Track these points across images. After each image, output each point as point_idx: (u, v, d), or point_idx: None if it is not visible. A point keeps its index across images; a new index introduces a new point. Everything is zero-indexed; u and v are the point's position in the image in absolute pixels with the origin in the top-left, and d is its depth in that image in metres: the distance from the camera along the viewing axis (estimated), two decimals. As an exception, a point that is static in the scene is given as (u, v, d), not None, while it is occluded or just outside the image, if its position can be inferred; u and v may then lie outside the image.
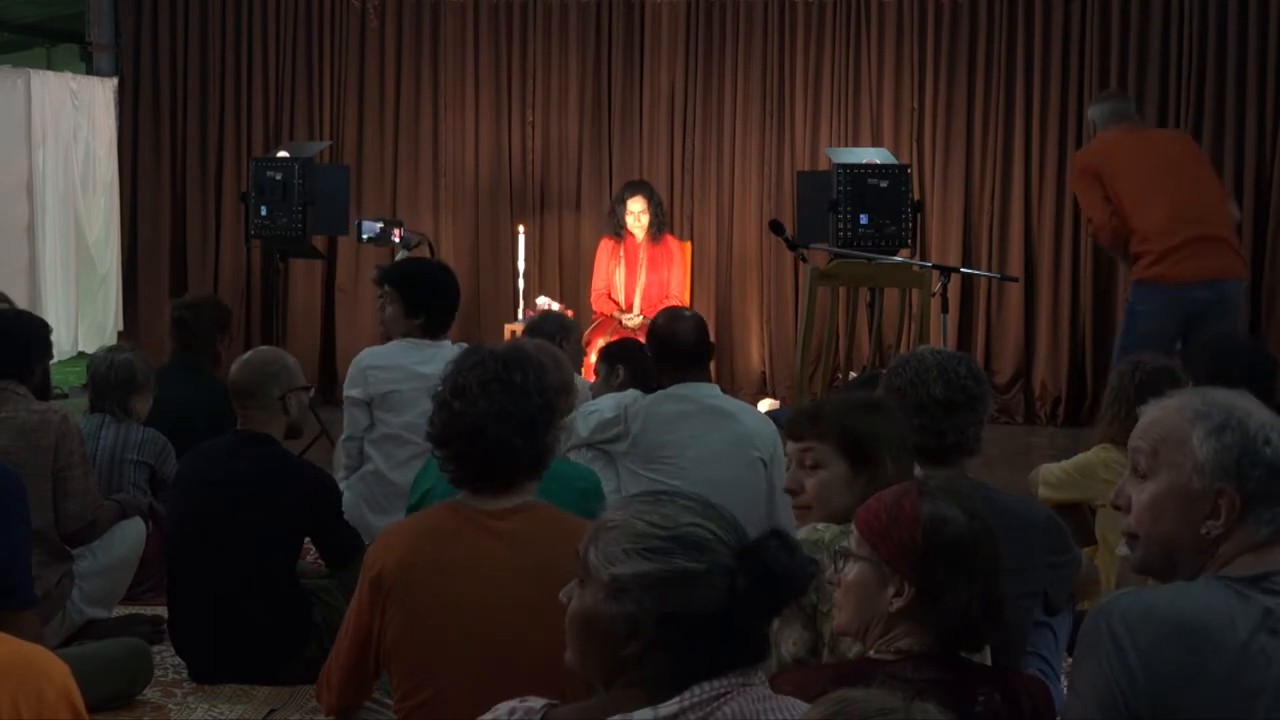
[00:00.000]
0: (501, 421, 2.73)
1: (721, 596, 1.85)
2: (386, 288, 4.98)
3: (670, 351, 4.49)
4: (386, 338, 5.18)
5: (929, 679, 2.14)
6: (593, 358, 7.18)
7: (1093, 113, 6.63)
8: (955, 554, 2.21)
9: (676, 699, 1.82)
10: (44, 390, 4.71)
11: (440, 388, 2.83)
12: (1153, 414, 2.12)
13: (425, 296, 4.90)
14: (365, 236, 7.30)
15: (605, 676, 1.91)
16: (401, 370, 4.76)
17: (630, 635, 1.86)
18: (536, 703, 1.97)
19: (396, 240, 7.34)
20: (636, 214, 7.72)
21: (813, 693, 2.03)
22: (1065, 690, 2.57)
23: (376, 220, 7.40)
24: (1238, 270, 6.34)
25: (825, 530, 2.76)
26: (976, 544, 2.22)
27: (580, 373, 6.10)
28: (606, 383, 4.91)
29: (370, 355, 4.95)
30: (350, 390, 4.88)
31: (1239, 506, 2.02)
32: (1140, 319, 6.24)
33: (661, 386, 4.50)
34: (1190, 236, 6.16)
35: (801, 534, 2.76)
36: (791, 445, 2.96)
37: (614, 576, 1.88)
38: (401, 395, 4.75)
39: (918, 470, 2.98)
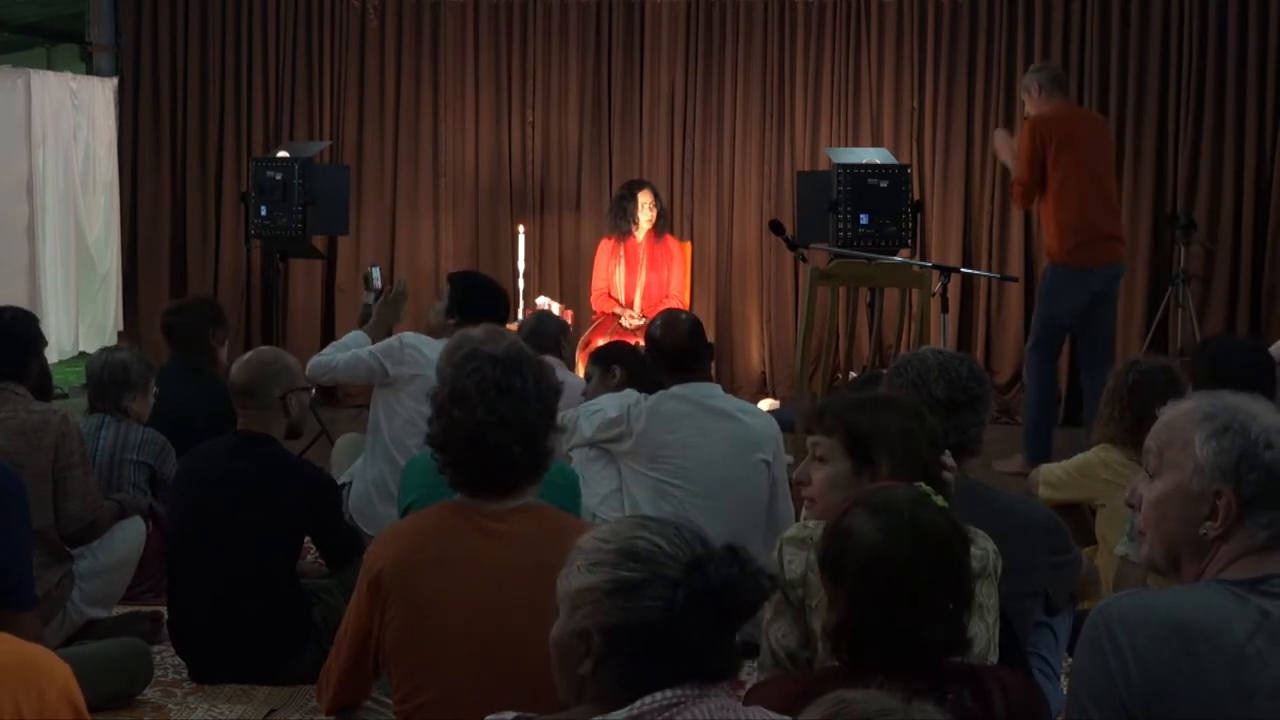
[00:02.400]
0: (500, 429, 2.72)
1: (663, 608, 1.86)
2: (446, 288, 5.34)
3: (668, 355, 4.49)
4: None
5: (896, 681, 2.14)
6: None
7: (1039, 78, 6.83)
8: (837, 569, 2.21)
9: (626, 709, 1.83)
10: (44, 390, 4.70)
11: (439, 391, 2.82)
12: (1166, 415, 2.13)
13: (466, 301, 5.14)
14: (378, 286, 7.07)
15: (573, 699, 1.93)
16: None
17: (585, 652, 1.89)
18: (507, 715, 1.98)
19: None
20: (647, 206, 7.71)
21: (784, 702, 2.03)
22: (1065, 690, 2.58)
23: (374, 266, 7.20)
24: (1124, 255, 7.17)
25: (815, 527, 2.76)
26: (875, 564, 2.17)
27: (575, 371, 6.13)
28: (602, 384, 4.92)
29: (414, 336, 5.21)
30: (384, 353, 5.09)
31: (1235, 509, 2.03)
32: (1055, 296, 6.80)
33: (662, 387, 4.50)
34: (1101, 234, 6.81)
35: (791, 531, 2.78)
36: (807, 438, 2.97)
37: (565, 593, 1.92)
38: (427, 383, 4.77)
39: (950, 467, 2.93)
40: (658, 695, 1.83)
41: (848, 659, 2.21)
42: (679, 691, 1.84)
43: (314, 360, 5.19)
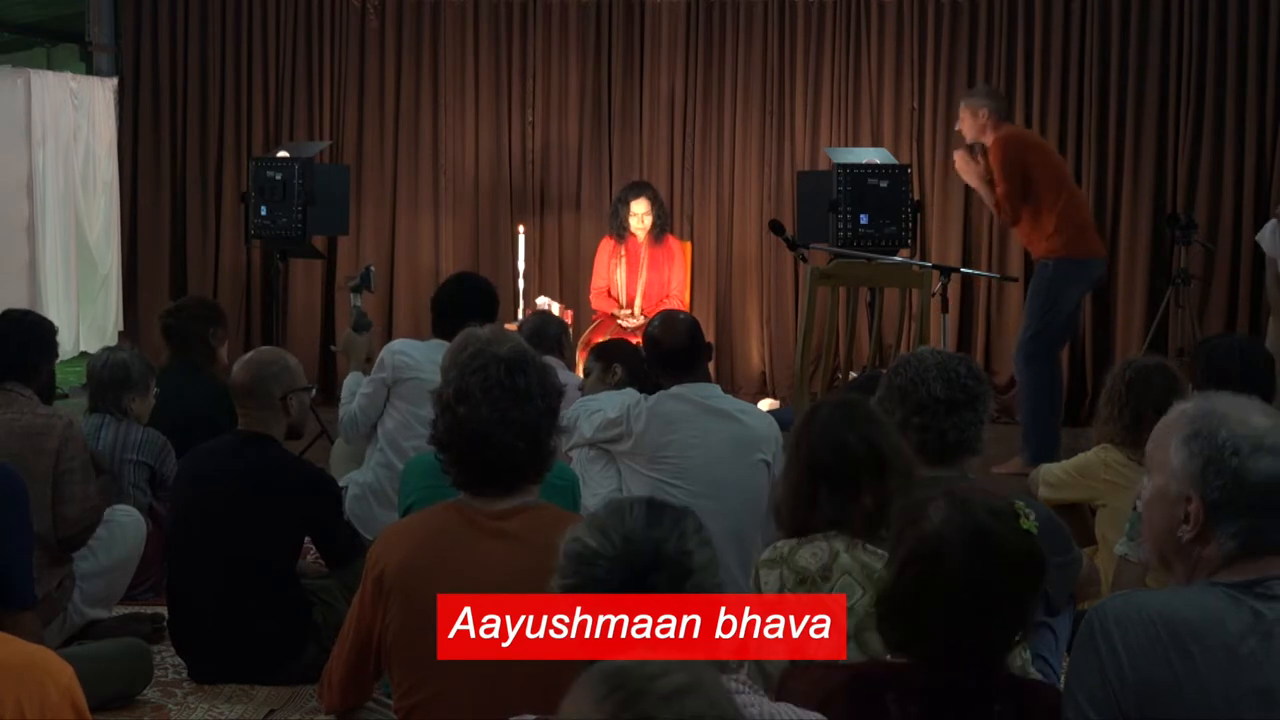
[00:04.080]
0: (504, 428, 2.73)
1: None
2: None
3: (667, 355, 4.49)
4: None
5: (944, 686, 2.14)
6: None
7: (992, 105, 6.91)
8: (899, 540, 2.23)
9: None
10: (47, 395, 4.69)
11: (443, 390, 2.83)
12: (1164, 417, 2.16)
13: (440, 297, 5.22)
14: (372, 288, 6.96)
15: None
16: (431, 364, 4.82)
17: None
18: (528, 718, 1.98)
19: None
20: (640, 215, 7.72)
21: (824, 692, 2.03)
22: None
23: (369, 266, 7.12)
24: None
25: (784, 546, 2.82)
26: (922, 553, 2.17)
27: (576, 371, 6.13)
28: (601, 380, 4.91)
29: (399, 343, 5.31)
30: (376, 373, 5.16)
31: (1202, 515, 2.05)
32: (1063, 291, 6.81)
33: (661, 387, 4.50)
34: (1092, 225, 7.14)
35: (765, 554, 2.85)
36: None
37: None
38: (422, 385, 4.80)
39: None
40: None
41: (882, 628, 2.22)
42: None
43: (340, 425, 5.33)
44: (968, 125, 6.91)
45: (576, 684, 1.51)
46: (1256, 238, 7.44)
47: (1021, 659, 2.73)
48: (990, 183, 6.82)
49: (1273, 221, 7.18)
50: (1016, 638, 2.20)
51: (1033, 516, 2.25)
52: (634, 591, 1.87)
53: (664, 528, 1.93)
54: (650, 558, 1.89)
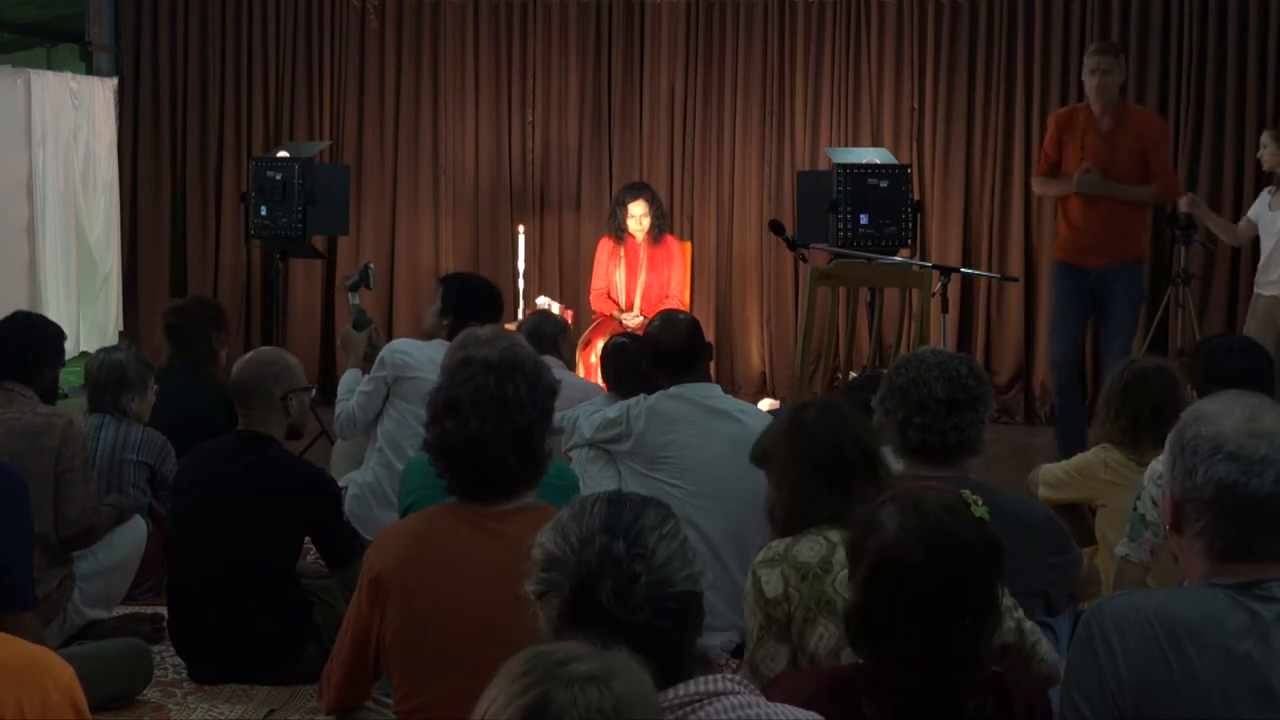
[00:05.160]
0: (495, 441, 2.71)
1: (555, 613, 1.87)
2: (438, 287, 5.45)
3: (666, 356, 4.49)
4: None
5: (918, 686, 2.14)
6: (593, 358, 7.19)
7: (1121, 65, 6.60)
8: (857, 555, 2.24)
9: None
10: (49, 396, 4.70)
11: (434, 396, 2.81)
12: None
13: (460, 302, 5.20)
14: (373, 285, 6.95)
15: None
16: (432, 364, 4.83)
17: None
18: None
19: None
20: (638, 217, 7.72)
21: (802, 698, 2.03)
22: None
23: (369, 263, 7.10)
24: None
25: (779, 545, 2.81)
26: (885, 561, 2.18)
27: (575, 371, 6.13)
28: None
29: (400, 342, 5.34)
30: (376, 372, 5.19)
31: (1170, 510, 2.10)
32: None
33: (661, 387, 4.50)
34: None
35: (761, 555, 2.85)
36: None
37: None
38: (421, 384, 4.80)
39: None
40: (670, 693, 1.83)
41: (855, 644, 2.21)
42: (690, 689, 1.84)
43: (336, 423, 5.35)
44: (1115, 77, 6.50)
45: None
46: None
47: (1022, 632, 2.74)
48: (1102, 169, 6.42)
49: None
50: (989, 627, 2.22)
51: (981, 502, 2.28)
52: (586, 599, 1.84)
53: (619, 528, 1.89)
54: (598, 564, 1.86)
